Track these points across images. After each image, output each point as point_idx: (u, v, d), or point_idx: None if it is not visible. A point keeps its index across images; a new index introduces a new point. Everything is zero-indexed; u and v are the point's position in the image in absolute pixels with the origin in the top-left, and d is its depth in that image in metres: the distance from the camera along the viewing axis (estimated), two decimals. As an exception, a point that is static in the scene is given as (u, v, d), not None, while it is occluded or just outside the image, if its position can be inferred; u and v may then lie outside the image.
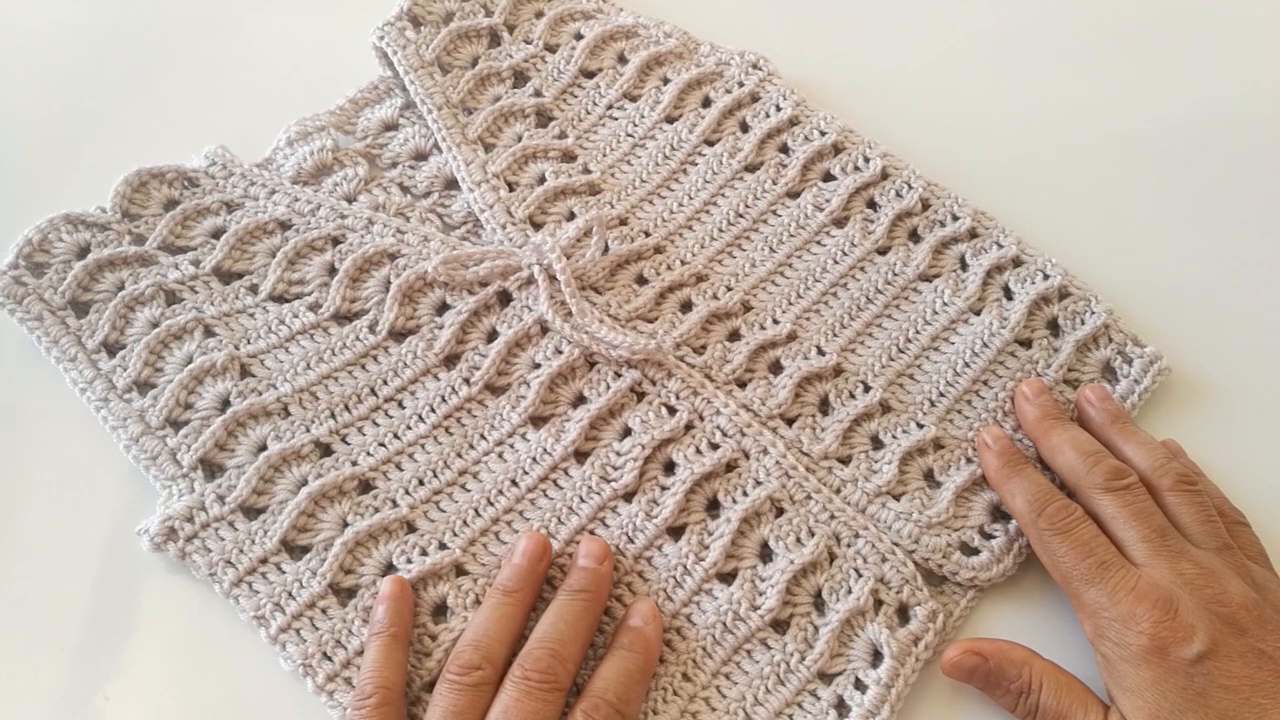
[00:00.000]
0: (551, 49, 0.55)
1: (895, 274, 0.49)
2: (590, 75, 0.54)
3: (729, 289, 0.48)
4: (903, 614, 0.40)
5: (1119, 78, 0.57)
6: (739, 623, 0.40)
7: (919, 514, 0.42)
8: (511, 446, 0.43)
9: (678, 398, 0.44)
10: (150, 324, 0.45)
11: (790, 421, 0.45)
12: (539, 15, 0.56)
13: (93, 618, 0.41)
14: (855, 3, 0.60)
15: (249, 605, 0.40)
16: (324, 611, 0.40)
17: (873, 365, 0.46)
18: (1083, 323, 0.47)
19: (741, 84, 0.54)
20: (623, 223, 0.50)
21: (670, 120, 0.53)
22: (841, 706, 0.39)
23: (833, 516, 0.42)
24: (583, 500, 0.42)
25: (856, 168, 0.51)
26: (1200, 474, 0.43)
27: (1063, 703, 0.37)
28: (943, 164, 0.52)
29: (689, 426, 0.44)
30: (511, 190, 0.50)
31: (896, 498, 0.43)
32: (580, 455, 0.43)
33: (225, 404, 0.43)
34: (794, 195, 0.51)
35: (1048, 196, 0.52)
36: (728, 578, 0.41)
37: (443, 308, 0.46)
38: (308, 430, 0.43)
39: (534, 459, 0.43)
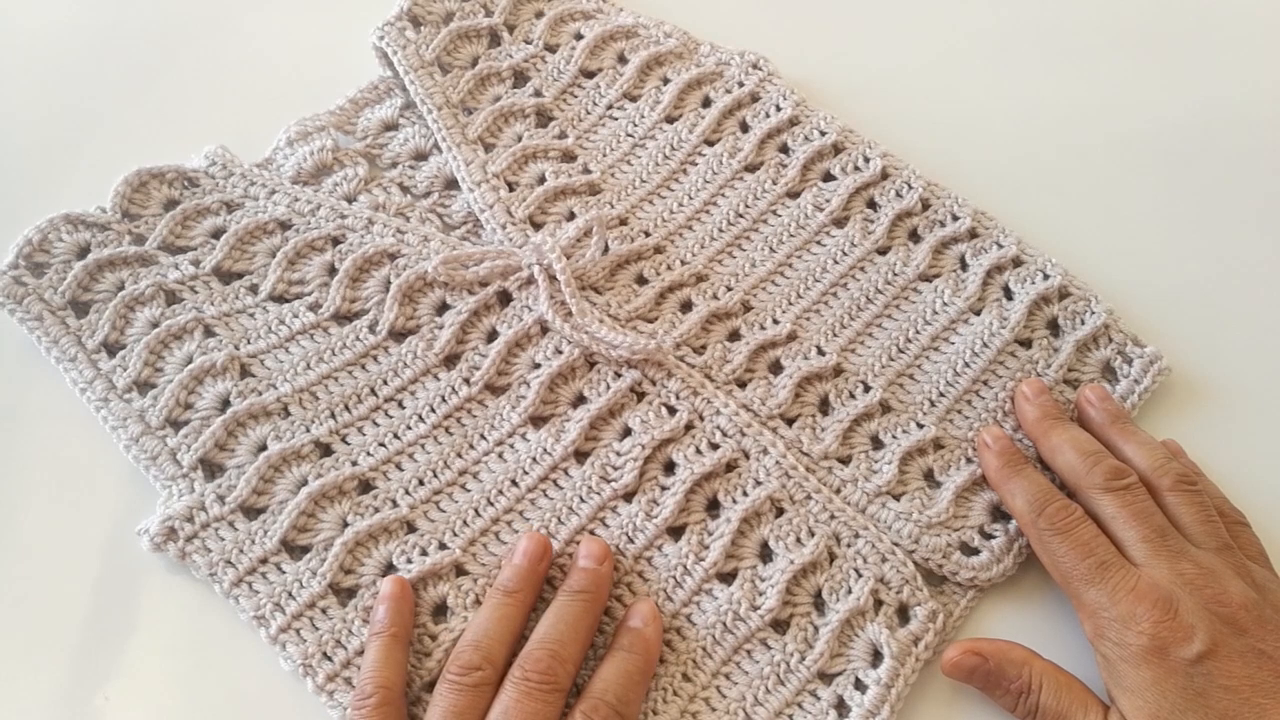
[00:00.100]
0: (551, 49, 0.55)
1: (895, 274, 0.49)
2: (590, 75, 0.54)
3: (729, 289, 0.48)
4: (903, 614, 0.40)
5: (1119, 78, 0.57)
6: (739, 623, 0.40)
7: (919, 514, 0.42)
8: (511, 446, 0.43)
9: (678, 398, 0.44)
10: (150, 324, 0.45)
11: (790, 421, 0.45)
12: (539, 15, 0.56)
13: (93, 618, 0.41)
14: (855, 3, 0.60)
15: (249, 605, 0.40)
16: (324, 611, 0.40)
17: (873, 365, 0.46)
18: (1083, 323, 0.47)
19: (741, 84, 0.54)
20: (623, 223, 0.50)
21: (670, 120, 0.53)
22: (841, 706, 0.39)
23: (833, 516, 0.42)
24: (583, 500, 0.42)
25: (856, 168, 0.51)
26: (1200, 474, 0.43)
27: (1063, 703, 0.37)
28: (943, 164, 0.52)
29: (689, 426, 0.44)
30: (511, 190, 0.50)
31: (896, 498, 0.43)
32: (580, 455, 0.43)
33: (225, 404, 0.43)
34: (794, 195, 0.51)
35: (1048, 196, 0.52)
36: (728, 578, 0.41)
37: (443, 308, 0.46)
38: (308, 430, 0.43)
39: (534, 459, 0.43)
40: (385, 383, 0.44)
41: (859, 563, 0.41)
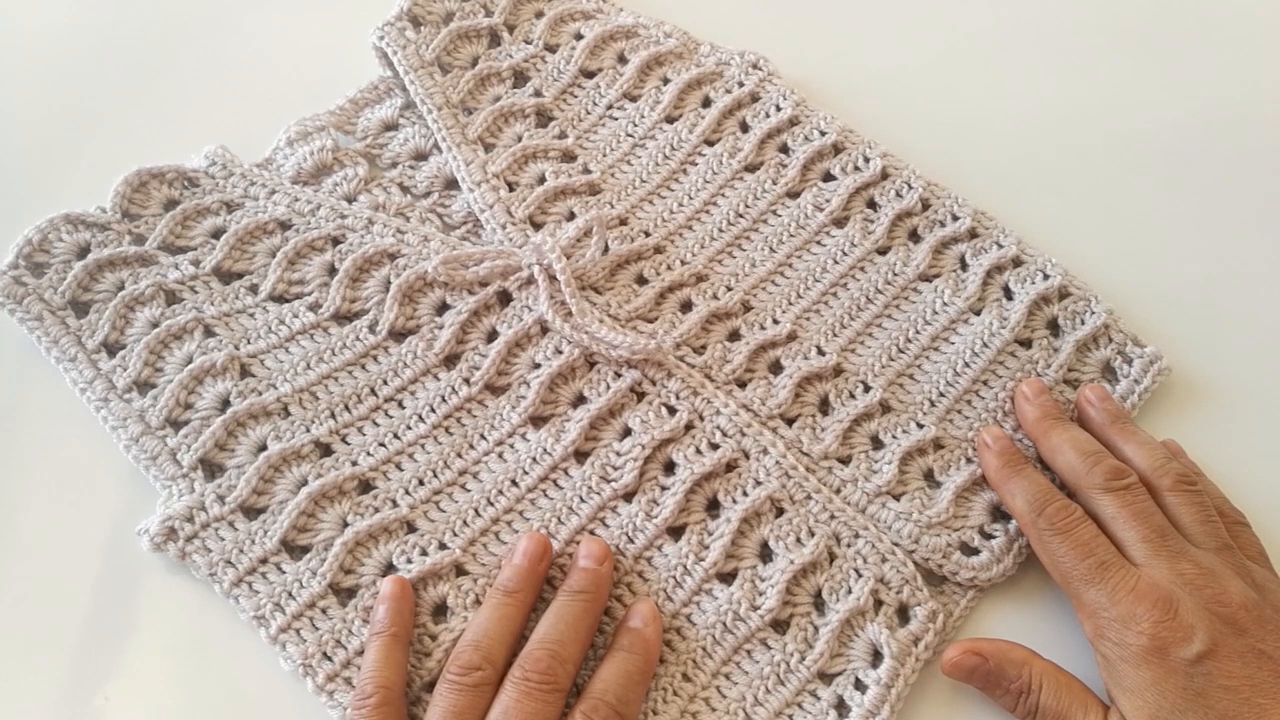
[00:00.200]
0: (551, 49, 0.55)
1: (895, 274, 0.49)
2: (590, 75, 0.54)
3: (729, 289, 0.48)
4: (903, 614, 0.40)
5: (1119, 78, 0.57)
6: (739, 623, 0.40)
7: (919, 514, 0.42)
8: (511, 446, 0.43)
9: (678, 398, 0.44)
10: (150, 324, 0.45)
11: (790, 421, 0.45)
12: (539, 15, 0.56)
13: (93, 618, 0.41)
14: (855, 3, 0.60)
15: (249, 605, 0.40)
16: (324, 611, 0.40)
17: (873, 365, 0.46)
18: (1083, 323, 0.47)
19: (741, 84, 0.54)
20: (623, 223, 0.50)
21: (670, 120, 0.53)
22: (841, 707, 0.39)
23: (833, 516, 0.42)
24: (583, 500, 0.42)
25: (856, 168, 0.51)
26: (1200, 474, 0.43)
27: (1063, 703, 0.37)
28: (943, 164, 0.52)
29: (689, 426, 0.44)
30: (511, 190, 0.50)
31: (896, 498, 0.43)
32: (580, 455, 0.43)
33: (225, 404, 0.43)
34: (794, 195, 0.51)
35: (1048, 196, 0.52)
36: (728, 578, 0.41)
37: (443, 308, 0.46)
38: (308, 430, 0.43)
39: (534, 459, 0.43)
40: (385, 383, 0.44)
41: (859, 563, 0.41)
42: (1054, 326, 0.47)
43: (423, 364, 0.45)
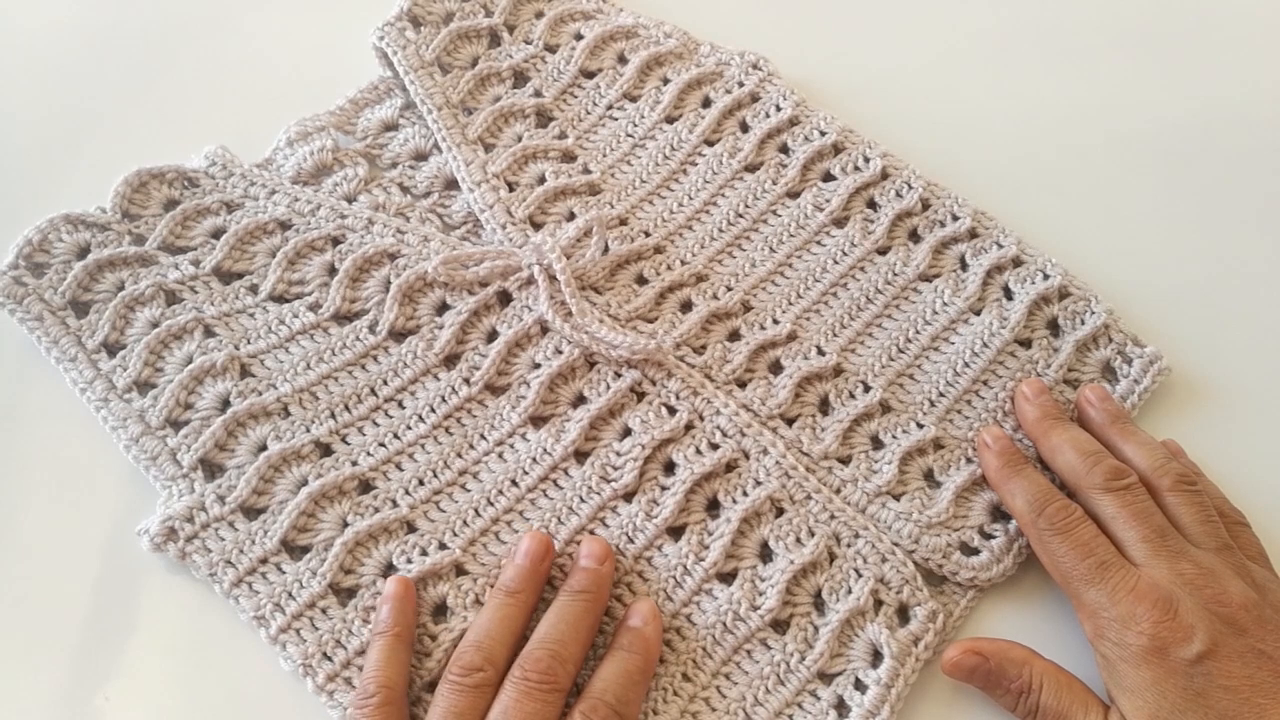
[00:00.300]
0: (551, 49, 0.55)
1: (895, 274, 0.49)
2: (590, 75, 0.54)
3: (729, 289, 0.48)
4: (903, 614, 0.40)
5: (1119, 78, 0.57)
6: (739, 623, 0.40)
7: (919, 514, 0.42)
8: (511, 446, 0.43)
9: (678, 398, 0.44)
10: (150, 324, 0.45)
11: (790, 421, 0.45)
12: (539, 15, 0.56)
13: (93, 618, 0.41)
14: (855, 3, 0.60)
15: (249, 605, 0.40)
16: (324, 611, 0.40)
17: (873, 365, 0.46)
18: (1083, 323, 0.47)
19: (741, 84, 0.54)
20: (623, 223, 0.50)
21: (670, 120, 0.53)
22: (841, 707, 0.39)
23: (833, 516, 0.42)
24: (583, 500, 0.42)
25: (856, 168, 0.51)
26: (1200, 474, 0.43)
27: (1063, 702, 0.37)
28: (943, 164, 0.52)
29: (689, 426, 0.44)
30: (511, 190, 0.50)
31: (896, 498, 0.43)
32: (580, 455, 0.43)
33: (225, 404, 0.43)
34: (794, 195, 0.51)
35: (1048, 196, 0.52)
36: (728, 578, 0.41)
37: (443, 308, 0.46)
38: (308, 430, 0.43)
39: (534, 459, 0.43)
40: (385, 383, 0.44)
41: (859, 563, 0.41)
42: (1054, 326, 0.47)
43: (423, 364, 0.45)
